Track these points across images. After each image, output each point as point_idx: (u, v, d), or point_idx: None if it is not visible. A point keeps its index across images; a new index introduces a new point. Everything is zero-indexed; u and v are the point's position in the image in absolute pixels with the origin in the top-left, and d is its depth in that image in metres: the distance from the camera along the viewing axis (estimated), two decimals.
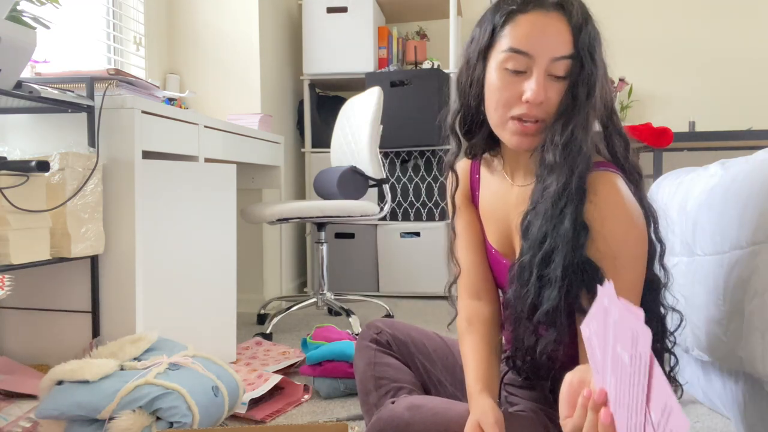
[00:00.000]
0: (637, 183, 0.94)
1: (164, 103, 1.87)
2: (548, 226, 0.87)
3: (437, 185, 3.21)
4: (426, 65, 3.34)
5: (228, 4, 2.98)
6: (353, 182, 2.48)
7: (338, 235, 3.28)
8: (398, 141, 3.11)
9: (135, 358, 1.38)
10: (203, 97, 2.96)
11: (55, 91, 1.46)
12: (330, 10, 3.29)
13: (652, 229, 0.92)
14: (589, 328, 0.61)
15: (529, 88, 0.88)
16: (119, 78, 1.62)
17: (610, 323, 0.56)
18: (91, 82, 1.56)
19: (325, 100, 3.56)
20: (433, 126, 2.80)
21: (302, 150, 3.44)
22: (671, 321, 0.99)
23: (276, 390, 1.68)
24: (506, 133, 0.94)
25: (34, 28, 1.51)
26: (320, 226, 2.61)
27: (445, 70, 3.23)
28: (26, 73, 1.66)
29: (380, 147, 2.55)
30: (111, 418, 1.21)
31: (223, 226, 1.95)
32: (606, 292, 0.57)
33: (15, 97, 1.36)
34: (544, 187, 0.89)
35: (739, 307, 1.15)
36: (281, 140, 2.84)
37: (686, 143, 3.10)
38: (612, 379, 0.56)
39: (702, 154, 3.28)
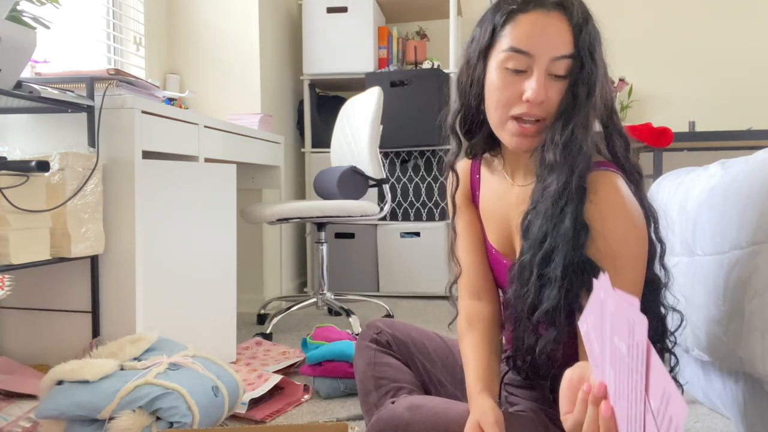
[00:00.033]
0: (637, 183, 0.94)
1: (164, 103, 1.87)
2: (548, 226, 0.87)
3: (437, 185, 3.21)
4: (426, 65, 3.34)
5: (228, 4, 2.98)
6: (353, 182, 2.48)
7: (338, 235, 3.28)
8: (398, 141, 3.11)
9: (135, 358, 1.39)
10: (203, 97, 2.96)
11: (55, 91, 1.46)
12: (330, 10, 3.29)
13: (652, 229, 0.92)
14: (586, 323, 0.62)
15: (530, 87, 0.89)
16: (119, 78, 1.62)
17: (606, 315, 0.56)
18: (91, 82, 1.56)
19: (325, 100, 3.56)
20: (433, 126, 2.80)
21: (302, 150, 3.44)
22: (671, 321, 0.99)
23: (276, 390, 1.68)
24: (505, 134, 0.94)
25: (34, 28, 1.51)
26: (320, 226, 2.61)
27: (445, 70, 3.23)
28: (26, 73, 1.66)
29: (380, 147, 2.55)
30: (111, 418, 1.21)
31: (223, 226, 1.95)
32: (601, 284, 0.57)
33: (15, 97, 1.36)
34: (544, 186, 0.89)
35: (739, 307, 1.15)
36: (281, 140, 2.84)
37: (686, 143, 3.10)
38: (611, 371, 0.56)
39: (702, 154, 3.28)
